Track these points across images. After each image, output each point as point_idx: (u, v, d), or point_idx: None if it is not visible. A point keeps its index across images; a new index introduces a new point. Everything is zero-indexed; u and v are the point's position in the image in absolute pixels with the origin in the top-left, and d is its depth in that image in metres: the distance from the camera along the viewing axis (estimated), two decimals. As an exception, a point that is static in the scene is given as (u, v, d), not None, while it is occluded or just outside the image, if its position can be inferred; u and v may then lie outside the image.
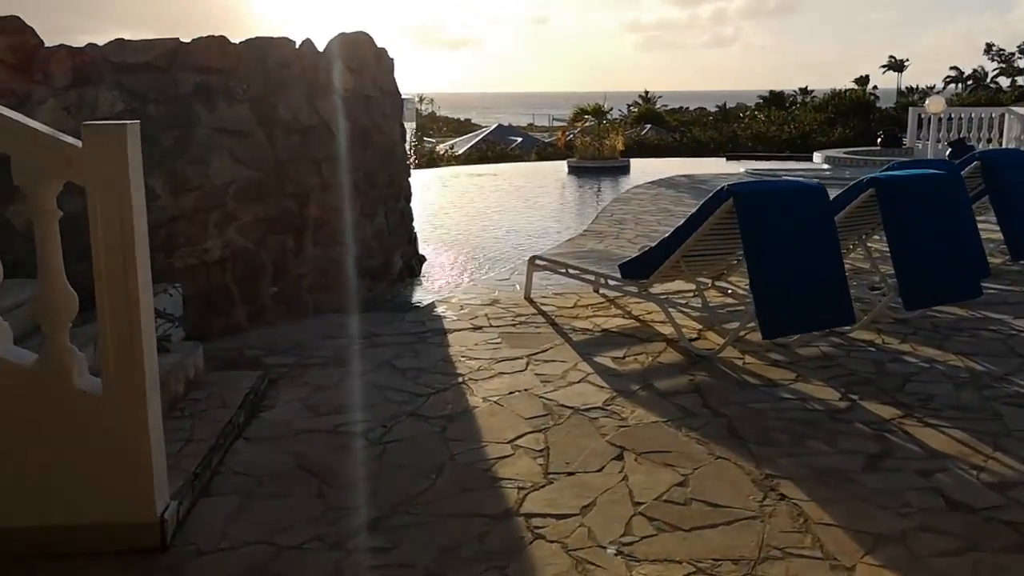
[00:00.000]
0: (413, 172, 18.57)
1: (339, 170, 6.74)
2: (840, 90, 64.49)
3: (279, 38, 6.34)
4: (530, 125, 74.89)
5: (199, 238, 5.84)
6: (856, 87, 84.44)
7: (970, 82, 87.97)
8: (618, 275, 6.22)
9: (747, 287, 5.80)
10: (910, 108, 22.36)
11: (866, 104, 49.42)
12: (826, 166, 19.76)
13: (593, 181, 17.85)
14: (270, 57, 6.25)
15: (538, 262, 7.17)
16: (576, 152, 20.72)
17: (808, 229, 5.47)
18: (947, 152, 17.71)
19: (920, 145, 21.42)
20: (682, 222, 5.73)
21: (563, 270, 6.96)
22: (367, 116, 7.13)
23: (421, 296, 7.48)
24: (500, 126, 55.59)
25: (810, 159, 21.63)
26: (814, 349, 5.73)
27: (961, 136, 19.03)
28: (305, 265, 6.53)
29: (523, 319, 6.57)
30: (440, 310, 6.89)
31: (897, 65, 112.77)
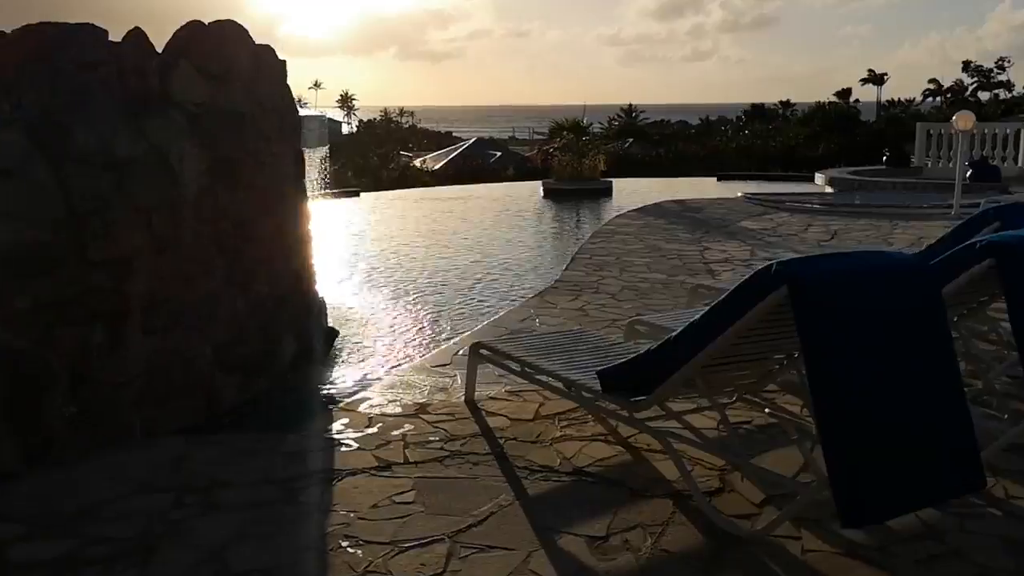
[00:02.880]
0: (373, 195, 16.37)
1: (183, 222, 4.54)
2: (824, 103, 63.13)
3: (80, 25, 4.15)
4: (511, 139, 73.07)
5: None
6: (838, 100, 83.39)
7: (949, 95, 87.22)
8: (596, 385, 4.04)
9: (792, 399, 3.66)
10: (918, 124, 20.36)
11: (850, 117, 47.95)
12: (829, 189, 17.70)
13: (572, 206, 15.72)
14: (63, 54, 4.06)
15: (483, 352, 4.97)
16: (553, 173, 18.56)
17: (911, 336, 3.30)
18: (968, 173, 15.72)
19: (929, 163, 19.45)
20: (700, 316, 3.56)
21: (517, 367, 4.75)
22: (235, 142, 4.94)
23: (318, 397, 5.28)
24: (479, 140, 53.59)
25: (810, 179, 19.58)
26: (909, 518, 3.56)
27: (984, 155, 17.05)
28: (127, 368, 4.32)
29: (457, 445, 4.38)
30: (338, 426, 4.68)
31: (877, 78, 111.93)
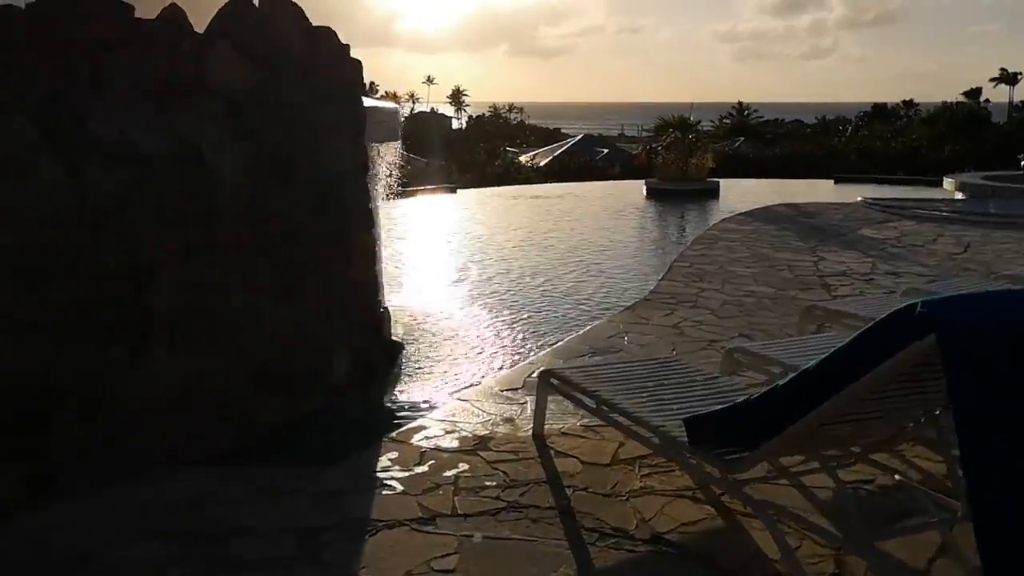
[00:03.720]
0: (472, 191, 15.75)
1: (218, 225, 4.02)
2: (951, 103, 59.82)
3: None
4: (620, 135, 72.04)
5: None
6: (967, 100, 79.09)
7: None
8: (683, 436, 3.31)
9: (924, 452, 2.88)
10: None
11: (980, 119, 45.28)
12: (960, 195, 16.30)
13: (675, 208, 14.85)
14: (79, 31, 3.58)
15: (553, 382, 4.29)
16: (657, 172, 17.70)
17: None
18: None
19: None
20: (816, 364, 2.80)
21: (592, 402, 4.05)
22: (284, 135, 4.40)
23: (370, 422, 4.70)
24: (586, 137, 52.84)
25: (936, 184, 18.13)
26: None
27: None
28: (147, 389, 3.82)
29: (516, 494, 3.73)
30: (385, 461, 4.09)
31: (1009, 78, 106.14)
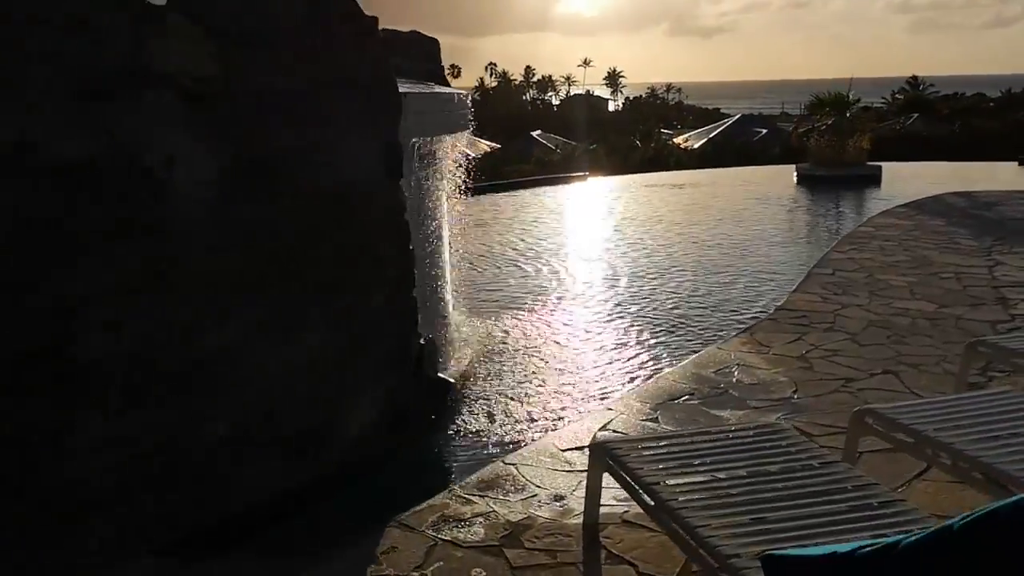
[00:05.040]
0: (607, 179, 14.74)
1: (180, 248, 3.18)
2: None
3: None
4: (782, 114, 68.80)
5: None
6: None
7: None
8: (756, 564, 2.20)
9: None
10: None
11: None
12: None
13: (828, 197, 13.26)
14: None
15: (611, 463, 3.21)
16: (809, 155, 16.03)
17: None
18: None
19: None
20: (963, 525, 1.64)
21: (648, 499, 2.96)
22: (273, 132, 3.51)
23: (382, 493, 3.77)
24: (743, 117, 50.58)
25: None
26: None
27: None
28: (80, 460, 3.03)
29: (535, 627, 2.71)
30: (378, 560, 3.15)
31: None
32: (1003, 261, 7.89)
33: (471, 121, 5.47)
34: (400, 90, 4.21)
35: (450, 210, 6.30)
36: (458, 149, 5.52)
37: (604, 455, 3.21)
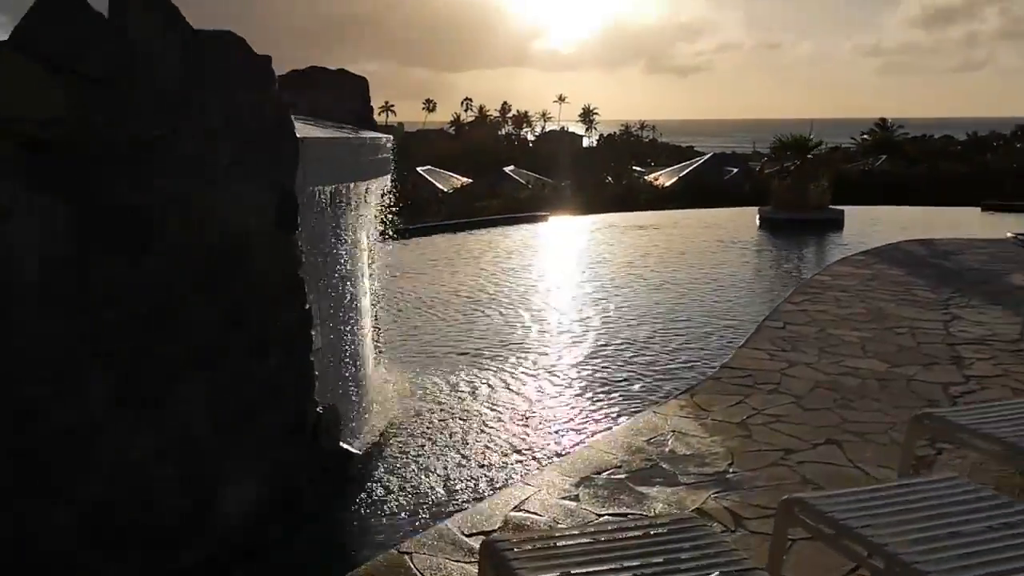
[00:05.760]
0: (569, 218, 14.54)
1: (12, 315, 2.79)
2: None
3: None
4: (754, 152, 69.33)
5: None
6: None
7: None
8: None
9: None
10: None
11: None
12: None
13: (788, 242, 13.03)
14: None
15: (496, 565, 2.82)
16: (771, 198, 15.85)
17: None
18: None
19: None
20: None
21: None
22: (137, 183, 3.13)
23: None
24: (715, 155, 50.83)
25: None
26: None
27: None
28: None
29: None
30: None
31: None
32: (959, 315, 7.62)
33: (390, 166, 5.13)
34: (302, 135, 3.86)
35: (376, 257, 5.96)
36: (378, 193, 5.17)
37: (491, 555, 2.83)
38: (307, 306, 3.87)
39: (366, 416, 4.86)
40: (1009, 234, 12.50)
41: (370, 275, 5.75)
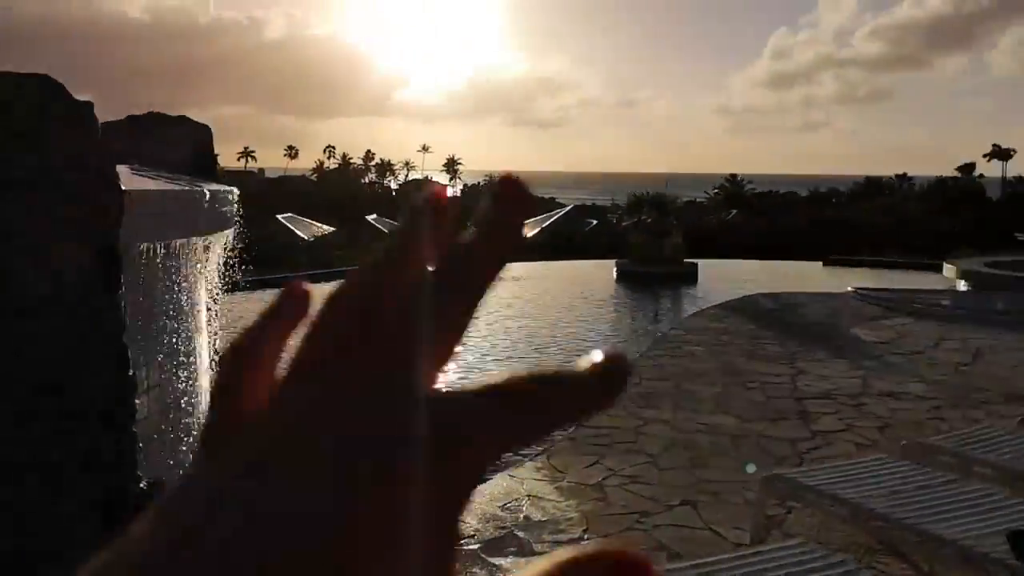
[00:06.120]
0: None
1: None
2: (946, 178, 59.03)
3: None
4: (614, 205, 71.24)
5: None
6: (960, 175, 78.41)
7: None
8: None
9: None
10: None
11: (975, 194, 44.58)
12: (963, 284, 14.75)
13: (644, 296, 13.28)
14: None
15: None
16: (629, 251, 16.19)
17: None
18: None
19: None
20: None
21: None
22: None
23: None
24: (575, 207, 51.92)
25: (936, 268, 16.58)
26: None
27: None
28: None
29: None
30: None
31: (1003, 153, 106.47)
32: (805, 369, 7.85)
33: (233, 219, 4.86)
34: (129, 187, 3.57)
35: (221, 314, 5.63)
36: (221, 247, 4.88)
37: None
38: (130, 372, 3.55)
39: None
40: (850, 288, 13.18)
41: (214, 333, 5.43)
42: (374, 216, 46.66)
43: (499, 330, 9.95)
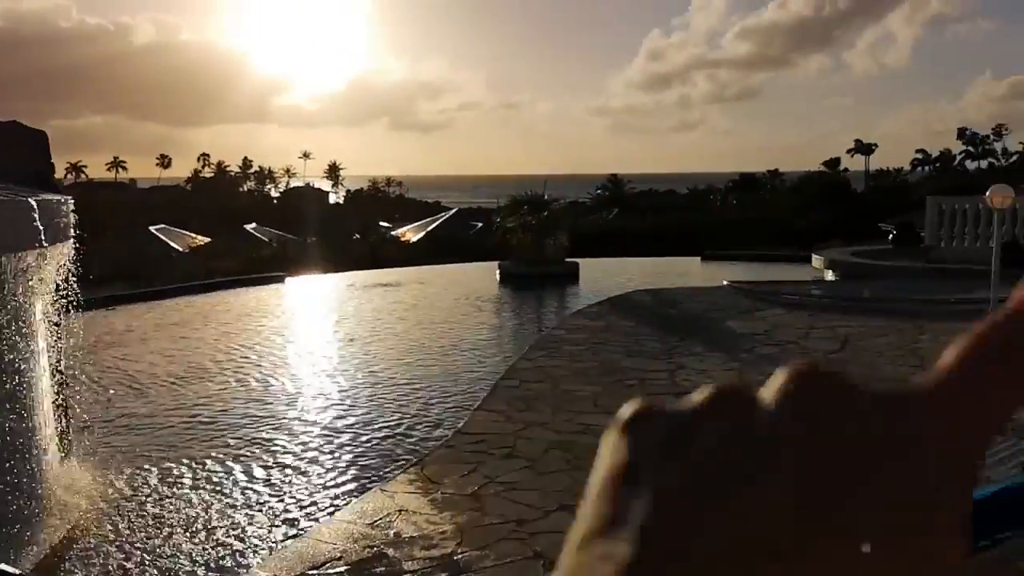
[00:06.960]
0: (307, 278, 13.86)
1: None
2: (813, 172, 61.58)
3: None
4: (499, 207, 71.38)
5: None
6: (827, 170, 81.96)
7: (937, 164, 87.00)
8: None
9: None
10: (928, 198, 18.01)
11: (841, 187, 46.57)
12: (831, 274, 15.23)
13: (526, 296, 13.22)
14: None
15: None
16: (511, 252, 16.10)
17: None
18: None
19: (943, 243, 16.98)
20: None
21: None
22: None
23: None
24: (459, 211, 51.80)
25: (806, 260, 17.09)
26: None
27: (1016, 234, 14.62)
28: None
29: None
30: None
31: (865, 148, 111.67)
32: (684, 364, 7.89)
33: (70, 231, 4.49)
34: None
35: (68, 332, 5.23)
36: (58, 261, 4.50)
37: None
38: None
39: (36, 525, 4.13)
40: (725, 282, 13.42)
41: (58, 353, 5.02)
42: (253, 225, 45.40)
43: (383, 335, 9.69)
